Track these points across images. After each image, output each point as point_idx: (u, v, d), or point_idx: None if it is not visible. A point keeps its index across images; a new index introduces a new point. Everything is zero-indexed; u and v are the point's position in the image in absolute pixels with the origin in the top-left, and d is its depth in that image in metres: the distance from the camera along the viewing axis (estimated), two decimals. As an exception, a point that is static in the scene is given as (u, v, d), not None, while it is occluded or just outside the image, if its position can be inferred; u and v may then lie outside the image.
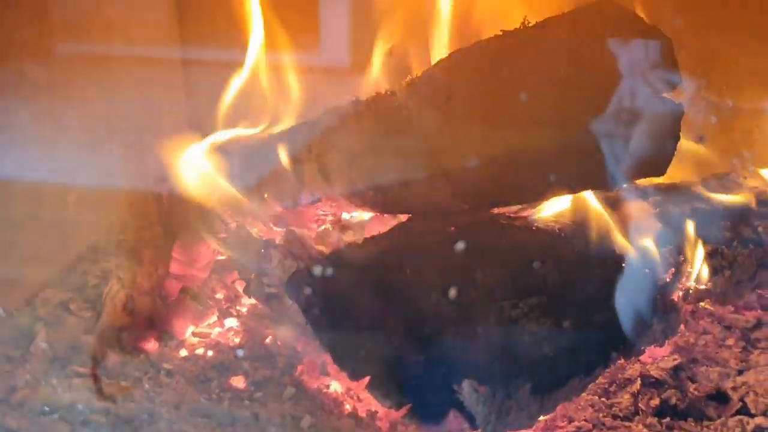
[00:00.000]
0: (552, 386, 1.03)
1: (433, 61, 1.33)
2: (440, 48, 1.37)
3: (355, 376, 1.06)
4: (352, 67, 1.54)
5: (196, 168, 1.32)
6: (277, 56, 1.54)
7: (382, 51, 1.46)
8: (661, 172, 1.12)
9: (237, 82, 1.49)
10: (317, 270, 1.09)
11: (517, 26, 1.13)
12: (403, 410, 1.06)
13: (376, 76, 1.46)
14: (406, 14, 1.47)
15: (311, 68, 1.55)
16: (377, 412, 1.12)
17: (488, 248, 1.13)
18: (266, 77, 1.51)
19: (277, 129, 1.36)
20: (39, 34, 1.31)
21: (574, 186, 1.17)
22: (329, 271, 1.09)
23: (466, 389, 0.97)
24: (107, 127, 1.48)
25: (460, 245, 1.10)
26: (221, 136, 1.41)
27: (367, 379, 1.06)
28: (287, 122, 1.37)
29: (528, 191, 1.18)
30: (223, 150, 1.37)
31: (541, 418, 1.07)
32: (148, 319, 1.30)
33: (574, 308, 1.08)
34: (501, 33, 1.12)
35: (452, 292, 1.07)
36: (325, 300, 1.09)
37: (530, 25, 1.12)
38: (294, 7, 1.60)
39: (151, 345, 1.26)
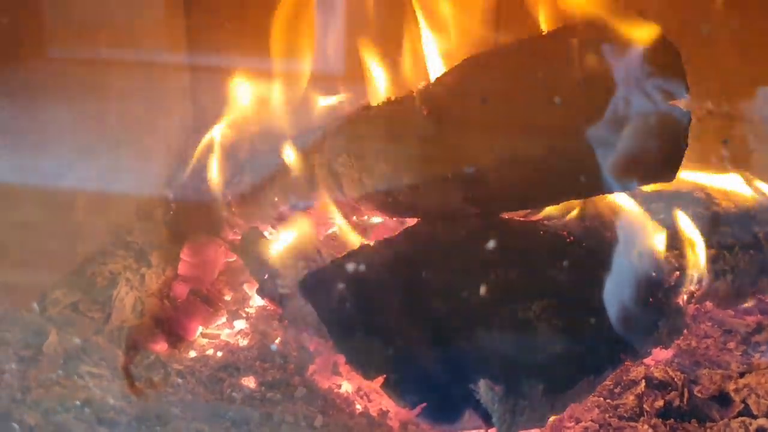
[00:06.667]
0: (563, 387, 1.05)
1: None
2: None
3: (369, 376, 1.08)
4: (353, 74, 1.55)
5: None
6: (281, 62, 1.56)
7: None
8: (669, 178, 1.14)
9: (244, 87, 1.51)
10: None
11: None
12: (417, 410, 1.07)
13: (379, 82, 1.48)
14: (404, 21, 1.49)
15: (313, 74, 1.56)
16: (388, 412, 1.14)
17: (499, 251, 1.15)
18: (273, 82, 1.53)
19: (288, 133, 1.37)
20: (41, 36, 1.31)
21: (583, 191, 1.19)
22: (344, 271, 1.11)
23: (483, 388, 0.99)
24: (114, 131, 1.49)
25: (473, 248, 1.12)
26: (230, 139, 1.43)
27: (381, 378, 1.07)
28: (297, 126, 1.38)
29: (537, 196, 1.20)
30: (233, 153, 1.39)
31: (551, 418, 1.09)
32: (157, 321, 1.31)
33: (584, 310, 1.10)
34: (516, 41, 1.15)
35: (465, 294, 1.09)
36: (340, 300, 1.11)
37: (543, 33, 1.15)
38: (295, 13, 1.62)
39: (161, 346, 1.27)
